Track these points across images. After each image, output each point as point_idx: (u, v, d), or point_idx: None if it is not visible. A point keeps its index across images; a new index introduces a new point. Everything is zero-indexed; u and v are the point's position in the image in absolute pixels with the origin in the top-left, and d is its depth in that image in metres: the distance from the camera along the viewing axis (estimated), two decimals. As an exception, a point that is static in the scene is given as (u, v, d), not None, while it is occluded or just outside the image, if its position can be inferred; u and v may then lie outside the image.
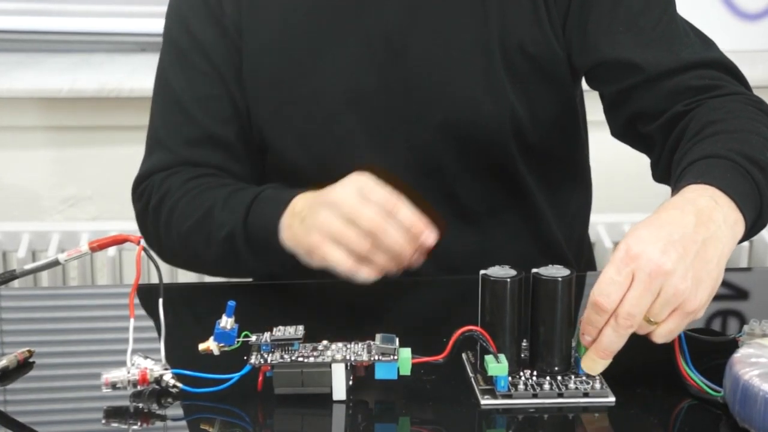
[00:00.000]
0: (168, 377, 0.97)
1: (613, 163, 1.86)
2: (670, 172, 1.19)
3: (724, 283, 1.32)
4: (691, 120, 1.21)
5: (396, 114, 1.31)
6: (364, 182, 1.12)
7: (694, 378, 0.98)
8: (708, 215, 0.99)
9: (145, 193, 1.34)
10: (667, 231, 0.96)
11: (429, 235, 1.10)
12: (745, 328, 1.03)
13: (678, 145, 1.20)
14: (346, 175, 1.28)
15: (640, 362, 1.07)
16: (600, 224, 2.13)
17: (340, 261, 1.10)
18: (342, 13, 1.30)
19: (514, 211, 1.37)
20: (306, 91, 1.31)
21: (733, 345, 1.03)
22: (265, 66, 1.32)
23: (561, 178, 1.42)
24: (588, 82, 1.35)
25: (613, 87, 1.30)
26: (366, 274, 1.10)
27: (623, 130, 1.32)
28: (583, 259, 1.47)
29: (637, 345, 1.11)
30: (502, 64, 1.30)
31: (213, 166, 1.34)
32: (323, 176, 1.31)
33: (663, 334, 0.96)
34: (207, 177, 1.32)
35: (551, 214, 1.39)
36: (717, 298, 1.23)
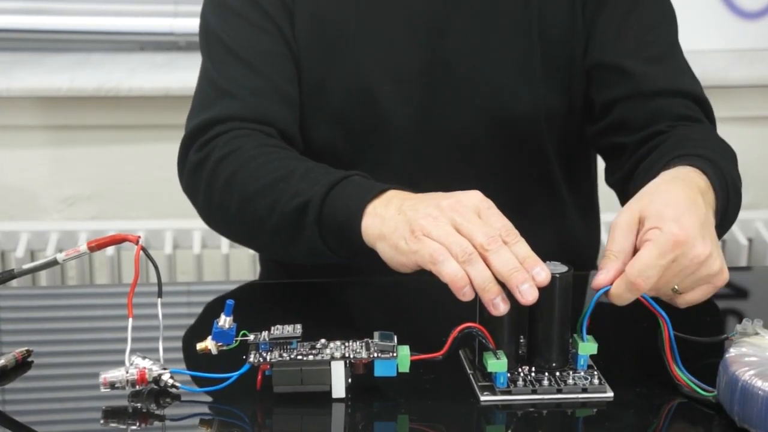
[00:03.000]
0: (166, 377, 0.97)
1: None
2: (630, 177, 1.27)
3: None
4: (670, 137, 1.26)
5: (433, 95, 1.31)
6: (485, 202, 1.02)
7: (685, 378, 0.98)
8: (707, 200, 1.08)
9: (208, 145, 1.23)
10: (696, 214, 1.02)
11: (541, 272, 0.97)
12: (738, 327, 1.03)
13: (649, 155, 1.25)
14: (380, 155, 1.29)
15: (638, 360, 1.07)
16: (603, 223, 2.13)
17: (443, 255, 0.98)
18: None
19: (541, 205, 1.38)
20: (346, 65, 1.30)
21: (726, 345, 1.03)
22: (308, 36, 1.30)
23: (586, 174, 1.44)
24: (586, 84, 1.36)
25: (604, 93, 1.32)
26: (464, 283, 0.97)
27: (597, 136, 1.34)
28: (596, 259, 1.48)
29: (635, 344, 1.12)
30: (539, 51, 1.31)
31: (284, 128, 1.26)
32: (356, 155, 1.32)
33: (689, 301, 1.06)
34: (285, 149, 1.23)
35: (575, 211, 1.41)
36: (715, 297, 1.23)
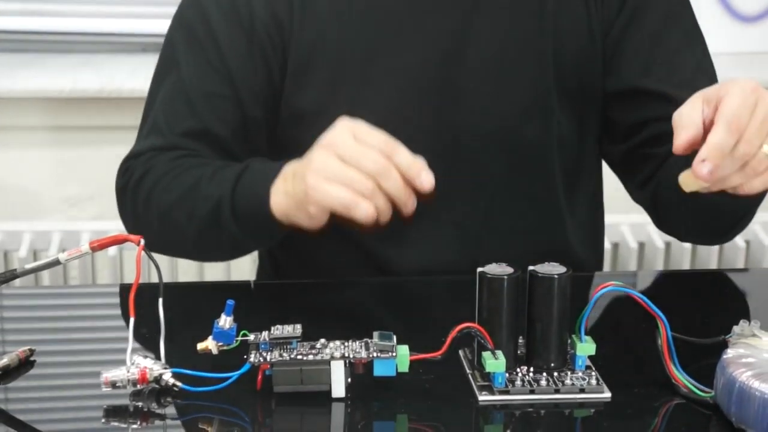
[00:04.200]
0: (167, 376, 0.98)
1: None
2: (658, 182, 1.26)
3: (721, 284, 1.33)
4: None
5: (446, 119, 1.29)
6: (358, 126, 1.09)
7: (682, 379, 0.98)
8: None
9: (128, 171, 1.31)
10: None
11: (426, 178, 1.07)
12: (735, 329, 1.03)
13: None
14: None
15: (636, 361, 1.07)
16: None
17: (340, 195, 1.06)
18: (398, 15, 1.27)
19: (545, 234, 1.35)
20: (355, 93, 1.28)
21: (723, 346, 1.03)
22: (314, 66, 1.28)
23: (589, 204, 1.42)
24: (606, 105, 1.34)
25: (634, 115, 1.30)
26: (366, 208, 1.05)
27: (625, 153, 1.33)
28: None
29: (633, 345, 1.12)
30: (553, 78, 1.29)
31: (207, 157, 1.29)
32: None
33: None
34: (194, 157, 1.28)
35: (578, 241, 1.38)
36: (713, 298, 1.24)
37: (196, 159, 1.27)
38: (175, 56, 1.32)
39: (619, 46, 1.30)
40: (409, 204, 1.07)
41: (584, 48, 1.30)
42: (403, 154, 1.07)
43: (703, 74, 1.31)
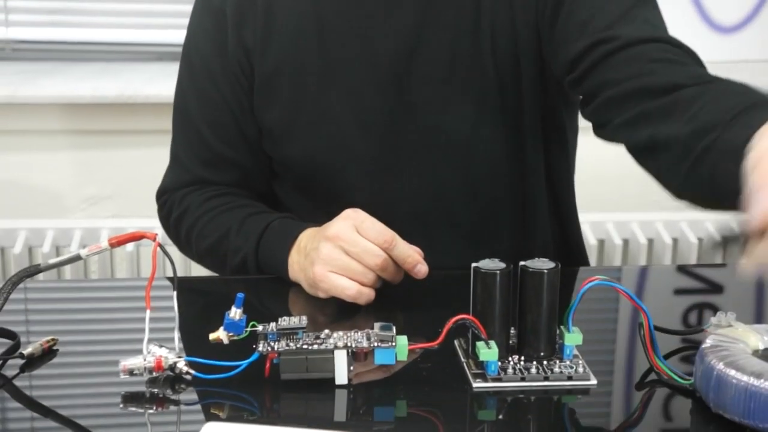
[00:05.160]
0: (181, 364, 0.98)
1: (597, 164, 1.85)
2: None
3: (701, 279, 1.33)
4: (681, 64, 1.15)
5: (400, 136, 1.29)
6: (361, 218, 1.14)
7: (664, 367, 0.98)
8: None
9: (166, 206, 1.37)
10: None
11: (421, 269, 1.14)
12: (713, 319, 1.03)
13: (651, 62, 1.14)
14: (354, 192, 1.29)
15: (620, 350, 1.07)
16: (586, 223, 2.13)
17: (345, 286, 1.12)
18: (348, 37, 1.28)
19: (515, 234, 1.34)
20: (315, 111, 1.29)
21: (702, 336, 1.04)
22: (277, 86, 1.30)
23: (564, 196, 1.40)
24: (550, 59, 1.26)
25: (576, 45, 1.19)
26: (367, 295, 1.13)
27: (589, 101, 1.21)
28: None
29: (618, 335, 1.12)
30: (496, 87, 1.27)
31: (230, 183, 1.35)
32: (331, 191, 1.31)
33: None
34: (225, 196, 1.33)
35: (549, 237, 1.37)
36: (692, 292, 1.24)
37: (226, 198, 1.33)
38: (182, 89, 1.37)
39: (552, 23, 1.23)
40: (398, 280, 1.15)
41: (523, 51, 1.26)
42: (401, 247, 1.13)
43: (642, 12, 1.21)
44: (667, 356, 1.00)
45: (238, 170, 1.35)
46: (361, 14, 1.27)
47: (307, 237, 1.19)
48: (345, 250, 1.12)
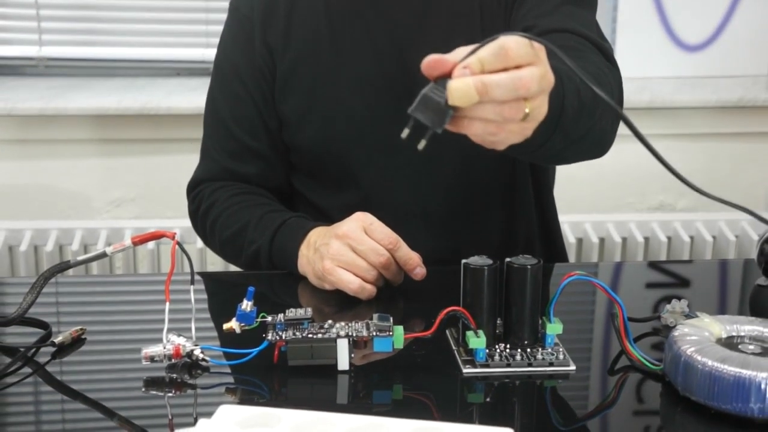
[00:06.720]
0: (198, 352, 0.97)
1: (576, 170, 1.85)
2: None
3: (670, 274, 1.33)
4: None
5: (401, 105, 1.27)
6: (369, 220, 1.14)
7: (636, 354, 0.97)
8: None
9: (197, 199, 1.38)
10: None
11: (420, 271, 1.15)
12: (668, 307, 1.05)
13: None
14: (364, 176, 1.30)
15: (597, 339, 1.07)
16: (565, 223, 2.13)
17: (351, 281, 1.12)
18: (357, 32, 1.29)
19: (496, 209, 1.34)
20: (328, 101, 1.31)
21: (658, 321, 1.06)
22: (295, 80, 1.32)
23: (546, 185, 1.40)
24: None
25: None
26: (369, 291, 1.13)
27: None
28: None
29: (595, 325, 1.12)
30: None
31: (253, 176, 1.36)
32: (341, 174, 1.31)
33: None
34: (249, 194, 1.34)
35: (534, 236, 1.38)
36: (663, 286, 1.23)
37: (250, 196, 1.33)
38: (212, 94, 1.39)
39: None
40: (398, 282, 1.16)
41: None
42: (404, 249, 1.14)
43: (569, 12, 1.21)
44: (638, 344, 1.00)
45: (261, 161, 1.36)
46: (369, 8, 1.29)
47: (317, 234, 1.19)
48: (352, 248, 1.13)
